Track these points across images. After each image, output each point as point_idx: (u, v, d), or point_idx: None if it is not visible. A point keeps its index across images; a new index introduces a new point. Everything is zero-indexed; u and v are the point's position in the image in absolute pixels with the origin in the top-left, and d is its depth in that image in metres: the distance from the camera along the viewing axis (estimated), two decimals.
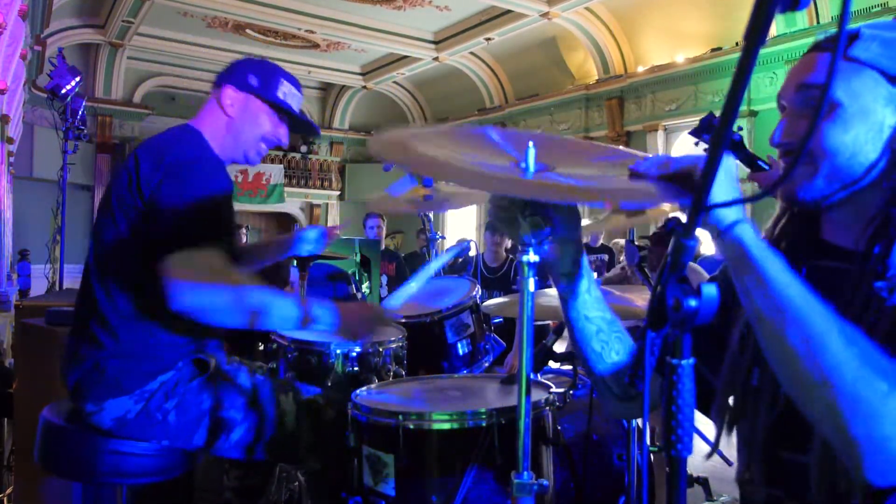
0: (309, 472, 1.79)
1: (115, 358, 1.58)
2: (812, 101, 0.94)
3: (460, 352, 2.34)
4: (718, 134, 0.62)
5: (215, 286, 1.45)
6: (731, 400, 1.00)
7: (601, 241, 7.17)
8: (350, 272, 3.44)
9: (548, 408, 1.40)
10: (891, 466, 0.71)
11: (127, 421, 1.58)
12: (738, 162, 1.08)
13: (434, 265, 2.06)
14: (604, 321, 1.07)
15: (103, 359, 1.58)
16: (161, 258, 1.44)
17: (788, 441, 0.92)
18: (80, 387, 1.61)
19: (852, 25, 0.86)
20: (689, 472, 1.09)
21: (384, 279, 6.14)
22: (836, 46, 0.58)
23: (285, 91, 1.79)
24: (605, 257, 6.94)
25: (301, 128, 1.90)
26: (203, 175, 1.57)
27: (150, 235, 1.52)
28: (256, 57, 1.86)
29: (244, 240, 8.66)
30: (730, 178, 0.81)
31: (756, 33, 0.56)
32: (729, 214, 0.80)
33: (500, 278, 4.72)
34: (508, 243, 4.76)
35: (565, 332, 1.16)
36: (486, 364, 2.44)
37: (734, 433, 1.01)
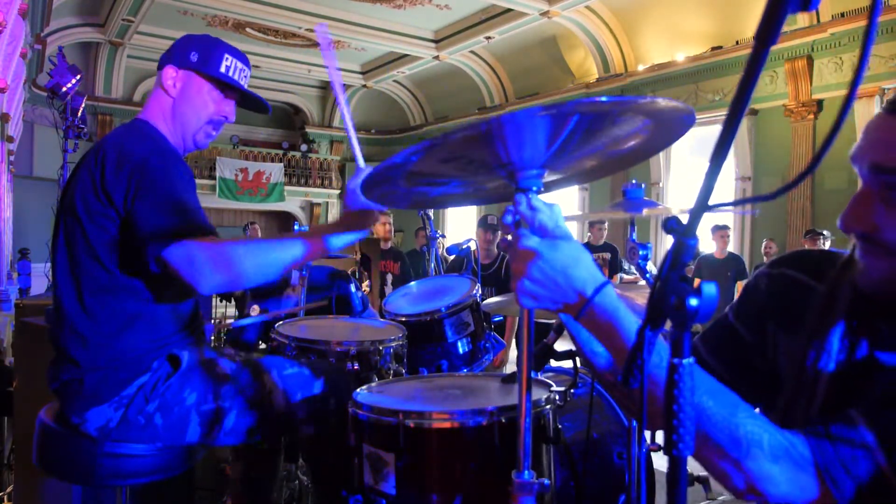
0: (310, 467, 1.78)
1: (93, 372, 1.54)
2: (891, 190, 0.85)
3: (460, 350, 2.34)
4: (723, 136, 0.61)
5: (228, 258, 1.42)
6: None
7: (604, 240, 7.01)
8: (349, 271, 3.45)
9: (548, 406, 1.40)
10: None
11: (110, 429, 1.55)
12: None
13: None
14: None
15: (81, 375, 1.54)
16: (147, 262, 1.43)
17: None
18: (62, 399, 1.59)
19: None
20: (689, 470, 1.09)
21: (388, 277, 6.13)
22: (853, 86, 0.57)
23: (228, 65, 1.70)
24: (609, 256, 6.76)
25: (250, 104, 1.81)
26: (166, 172, 1.51)
27: (133, 242, 1.48)
28: (200, 34, 1.77)
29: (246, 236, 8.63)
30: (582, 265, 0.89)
31: (768, 33, 0.55)
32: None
33: (492, 275, 4.72)
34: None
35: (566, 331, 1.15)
36: (487, 362, 2.44)
37: None
